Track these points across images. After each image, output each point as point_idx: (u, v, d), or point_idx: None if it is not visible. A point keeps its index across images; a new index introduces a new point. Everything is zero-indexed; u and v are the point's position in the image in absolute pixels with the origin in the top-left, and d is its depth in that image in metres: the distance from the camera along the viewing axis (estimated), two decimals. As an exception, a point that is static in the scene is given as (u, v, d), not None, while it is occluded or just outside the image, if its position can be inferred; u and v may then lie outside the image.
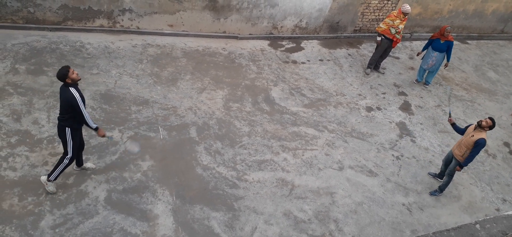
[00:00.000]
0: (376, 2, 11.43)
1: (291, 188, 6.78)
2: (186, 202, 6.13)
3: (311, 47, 11.02)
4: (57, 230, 5.36)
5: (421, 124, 9.01)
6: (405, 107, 9.47)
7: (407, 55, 11.77)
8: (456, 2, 12.37)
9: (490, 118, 6.55)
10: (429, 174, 7.69)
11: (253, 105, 8.38)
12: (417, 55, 10.25)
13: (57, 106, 7.09)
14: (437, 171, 7.64)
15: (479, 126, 6.56)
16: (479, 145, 6.50)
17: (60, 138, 5.58)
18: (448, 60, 9.86)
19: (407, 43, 12.39)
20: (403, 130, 8.70)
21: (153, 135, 7.11)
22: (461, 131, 7.06)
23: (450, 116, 7.30)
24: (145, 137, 7.03)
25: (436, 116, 9.37)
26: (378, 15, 11.77)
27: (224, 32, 10.48)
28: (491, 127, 6.53)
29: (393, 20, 9.51)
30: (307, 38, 11.33)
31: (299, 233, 6.09)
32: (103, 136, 5.67)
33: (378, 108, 9.19)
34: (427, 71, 10.20)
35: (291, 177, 6.97)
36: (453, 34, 13.21)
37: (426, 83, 10.41)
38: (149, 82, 8.30)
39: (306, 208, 6.50)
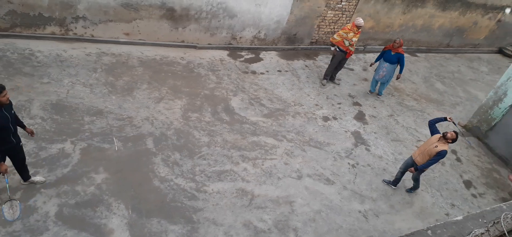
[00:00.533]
0: (332, 15, 11.79)
1: (251, 198, 6.77)
2: (142, 216, 5.95)
3: (270, 58, 11.15)
4: (2, 249, 5.01)
5: (375, 133, 9.33)
6: (360, 117, 9.78)
7: (361, 67, 12.19)
8: (406, 16, 13.02)
9: (455, 131, 6.91)
10: (384, 181, 7.96)
11: (213, 115, 8.33)
12: (370, 66, 10.57)
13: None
14: (392, 178, 7.93)
15: (444, 138, 6.91)
16: (441, 155, 6.88)
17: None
18: (400, 72, 10.17)
19: (361, 56, 12.84)
20: (358, 139, 8.97)
21: (107, 146, 6.86)
22: (433, 127, 7.36)
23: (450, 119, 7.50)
24: (99, 149, 6.77)
25: (389, 125, 9.75)
26: (333, 27, 12.13)
27: (183, 41, 10.38)
28: (454, 140, 6.89)
29: (347, 33, 9.82)
30: (266, 49, 11.46)
31: (259, 243, 6.07)
32: (5, 171, 5.15)
33: (334, 118, 9.43)
34: (379, 82, 10.57)
35: (251, 186, 6.97)
36: (403, 47, 13.87)
37: (379, 94, 10.78)
38: (104, 92, 8.03)
39: (266, 217, 6.50)
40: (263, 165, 7.48)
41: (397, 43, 9.74)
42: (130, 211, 5.95)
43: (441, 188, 8.23)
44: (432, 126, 7.40)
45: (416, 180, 7.63)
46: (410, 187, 7.86)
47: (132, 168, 6.63)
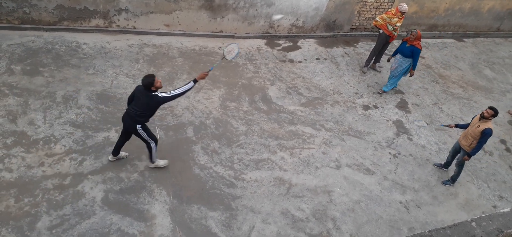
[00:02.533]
0: (373, 0, 11.44)
1: (289, 186, 6.78)
2: (183, 202, 6.12)
3: (308, 46, 11.02)
4: (53, 231, 5.33)
5: (418, 121, 9.02)
6: (402, 105, 9.48)
7: (404, 53, 11.78)
8: (452, 0, 12.40)
9: (490, 107, 6.72)
10: (435, 164, 7.83)
11: (250, 105, 8.37)
12: (388, 61, 9.78)
13: (53, 107, 7.10)
14: (442, 162, 7.81)
15: (482, 117, 6.74)
16: (486, 134, 6.70)
17: (128, 134, 6.11)
18: (413, 68, 9.24)
19: (403, 42, 12.40)
20: (400, 128, 8.71)
21: (150, 134, 7.09)
22: (466, 125, 7.31)
23: (446, 125, 7.64)
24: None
25: (433, 114, 9.39)
26: (375, 13, 11.77)
27: (221, 31, 10.46)
28: (493, 115, 6.70)
29: (390, 18, 9.51)
30: (304, 37, 11.33)
31: (296, 232, 6.09)
32: (205, 76, 6.02)
33: (375, 107, 9.20)
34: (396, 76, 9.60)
35: (288, 175, 6.97)
36: (449, 32, 13.25)
37: (383, 89, 9.74)
38: (146, 82, 8.26)
39: (303, 206, 6.49)
40: (300, 154, 7.46)
41: (413, 35, 8.85)
42: (171, 197, 6.14)
43: (489, 179, 7.85)
44: (463, 127, 7.33)
45: (460, 165, 7.29)
46: (447, 179, 7.53)
47: (173, 155, 6.82)
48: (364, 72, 10.31)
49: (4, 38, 8.45)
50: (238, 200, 6.35)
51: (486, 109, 6.75)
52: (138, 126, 5.82)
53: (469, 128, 7.04)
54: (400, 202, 6.97)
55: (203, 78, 5.99)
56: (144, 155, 6.69)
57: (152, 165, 6.44)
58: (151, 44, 9.49)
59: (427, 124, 7.61)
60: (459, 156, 7.27)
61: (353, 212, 6.60)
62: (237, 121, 7.88)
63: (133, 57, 8.91)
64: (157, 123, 7.34)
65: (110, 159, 6.40)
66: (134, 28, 9.68)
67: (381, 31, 9.81)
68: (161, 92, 5.71)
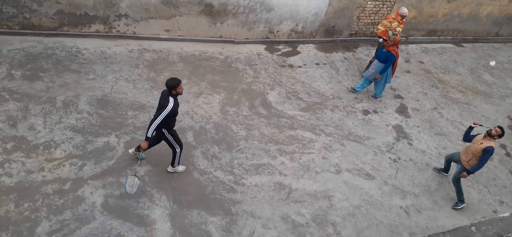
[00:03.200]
0: (372, 6, 11.49)
1: (289, 191, 6.77)
2: (183, 207, 6.11)
3: (307, 51, 11.05)
4: (53, 236, 5.32)
5: (417, 126, 9.03)
6: (402, 110, 9.50)
7: (403, 58, 11.81)
8: (450, 5, 12.46)
9: (499, 127, 6.56)
10: (435, 169, 7.83)
11: (250, 109, 8.38)
12: (369, 62, 9.60)
13: (54, 112, 7.11)
14: (442, 167, 7.81)
15: (489, 135, 6.57)
16: (488, 152, 6.54)
17: (158, 141, 6.23)
18: (381, 72, 8.98)
19: (403, 47, 12.44)
20: (400, 133, 8.72)
21: (150, 139, 7.08)
22: (469, 138, 7.06)
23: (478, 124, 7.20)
24: (142, 142, 6.98)
25: (432, 119, 9.40)
26: (374, 18, 11.82)
27: (221, 36, 10.50)
28: (500, 135, 6.56)
29: (390, 22, 9.54)
30: (303, 42, 11.37)
31: None
32: (145, 148, 5.84)
33: (375, 112, 9.21)
34: (374, 81, 9.42)
35: (288, 180, 6.97)
36: (448, 37, 13.30)
37: (374, 95, 9.66)
38: (146, 87, 8.28)
39: (304, 211, 6.48)
40: (300, 159, 7.45)
41: (391, 41, 8.73)
42: (171, 202, 6.13)
43: (489, 184, 7.85)
44: (468, 137, 7.09)
45: (456, 182, 7.05)
46: (456, 202, 7.22)
47: (172, 160, 6.82)
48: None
49: (4, 43, 8.46)
50: (238, 205, 6.34)
51: (494, 128, 6.57)
52: (164, 130, 5.90)
53: (471, 144, 6.86)
54: (401, 207, 6.97)
55: (143, 147, 5.80)
56: (144, 159, 6.68)
57: (171, 169, 6.53)
58: (151, 49, 9.51)
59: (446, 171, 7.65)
60: (456, 171, 7.06)
61: (353, 217, 6.59)
62: (237, 125, 7.88)
63: (133, 62, 8.92)
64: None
65: (130, 152, 6.60)
66: (134, 33, 9.71)
67: (380, 40, 9.79)
68: (175, 106, 5.71)
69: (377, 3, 11.48)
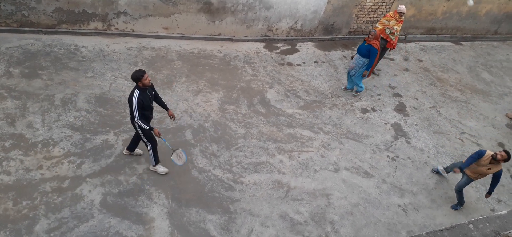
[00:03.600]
0: (371, 4, 11.48)
1: (287, 190, 6.78)
2: (182, 205, 6.12)
3: (306, 49, 11.04)
4: (52, 234, 5.32)
5: (416, 125, 9.04)
6: (400, 108, 9.51)
7: (402, 56, 11.83)
8: (450, 3, 12.46)
9: (505, 151, 6.43)
10: (433, 171, 7.85)
11: (249, 108, 8.38)
12: (351, 58, 9.41)
13: (52, 109, 7.10)
14: (445, 166, 7.80)
15: (495, 159, 6.47)
16: (498, 177, 6.60)
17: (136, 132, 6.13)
18: (367, 68, 8.93)
19: (402, 45, 12.45)
20: (398, 131, 8.73)
21: (148, 137, 7.09)
22: (471, 160, 6.76)
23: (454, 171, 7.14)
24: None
25: (431, 117, 9.42)
26: (373, 16, 11.82)
27: (219, 34, 10.48)
28: (506, 160, 6.43)
29: (388, 20, 9.52)
30: (302, 40, 11.36)
31: (295, 235, 6.09)
32: (158, 135, 5.90)
33: (373, 110, 9.22)
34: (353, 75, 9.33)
35: (287, 179, 6.98)
36: (447, 35, 13.31)
37: (353, 90, 9.62)
38: (144, 85, 8.26)
39: (302, 210, 6.50)
40: (299, 157, 7.46)
41: (372, 35, 8.64)
42: (170, 200, 6.14)
43: (487, 183, 7.85)
44: (468, 163, 6.79)
45: (459, 192, 7.07)
46: (456, 203, 7.24)
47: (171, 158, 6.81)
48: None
49: (2, 41, 8.44)
50: (237, 203, 6.35)
51: (500, 152, 6.44)
52: (136, 124, 5.81)
53: (478, 165, 6.67)
54: (399, 205, 6.99)
55: (156, 133, 5.87)
56: (143, 158, 6.69)
57: (151, 168, 6.50)
58: (150, 47, 9.49)
59: (446, 171, 7.64)
60: (461, 182, 6.99)
61: (351, 215, 6.61)
62: (236, 123, 7.89)
63: (131, 60, 8.91)
64: (155, 125, 7.33)
65: (124, 152, 6.63)
66: (133, 31, 9.69)
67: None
68: (139, 98, 5.59)
69: (376, 1, 11.47)
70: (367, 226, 6.49)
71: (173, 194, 6.25)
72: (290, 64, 10.22)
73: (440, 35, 13.27)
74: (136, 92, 5.60)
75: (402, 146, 8.34)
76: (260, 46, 10.70)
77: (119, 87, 8.04)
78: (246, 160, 7.15)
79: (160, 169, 6.46)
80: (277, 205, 6.48)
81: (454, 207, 7.22)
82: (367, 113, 9.05)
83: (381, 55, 10.21)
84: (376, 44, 8.72)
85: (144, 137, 6.04)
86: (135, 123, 5.82)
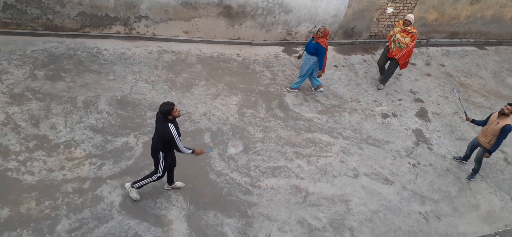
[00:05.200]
0: (392, 8, 11.33)
1: (305, 195, 6.73)
2: (200, 208, 6.14)
3: (326, 53, 10.95)
4: (73, 234, 5.41)
5: (438, 131, 8.85)
6: (422, 114, 9.33)
7: (424, 61, 11.61)
8: (473, 7, 12.18)
9: (510, 104, 6.83)
10: (454, 158, 8.00)
11: (267, 111, 8.37)
12: (298, 58, 9.28)
13: (74, 111, 7.24)
14: (461, 156, 8.08)
15: (502, 114, 6.82)
16: (506, 130, 6.83)
17: (152, 157, 5.72)
18: (319, 68, 8.64)
19: (423, 49, 12.23)
20: (420, 137, 8.56)
21: (167, 140, 7.14)
22: (483, 123, 7.41)
23: (466, 115, 7.59)
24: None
25: (453, 123, 9.20)
26: (394, 20, 11.65)
27: (239, 38, 10.51)
28: None
29: (395, 28, 9.16)
30: (322, 44, 11.27)
31: (313, 241, 6.03)
32: (201, 153, 5.63)
33: (394, 115, 9.08)
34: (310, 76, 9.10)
35: (305, 184, 6.92)
36: (470, 40, 13.01)
37: (312, 87, 9.29)
38: (164, 88, 8.36)
39: (320, 215, 6.43)
40: (317, 162, 7.40)
41: (321, 32, 8.23)
42: (188, 203, 6.17)
43: (511, 191, 7.65)
44: (479, 123, 7.47)
45: (478, 162, 7.47)
46: (470, 173, 7.68)
47: (190, 161, 6.85)
48: (380, 89, 9.93)
49: (28, 44, 8.67)
50: (254, 208, 6.33)
51: (506, 106, 6.84)
52: (160, 153, 5.57)
53: (488, 125, 7.15)
54: (420, 213, 6.84)
55: (199, 154, 5.58)
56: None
57: (128, 186, 6.01)
58: (170, 50, 9.60)
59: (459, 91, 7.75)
60: (479, 152, 7.40)
61: (371, 222, 6.50)
62: (254, 127, 7.88)
63: (152, 63, 9.02)
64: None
65: (166, 187, 6.32)
66: (154, 34, 9.82)
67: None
68: (174, 126, 5.33)
69: (398, 4, 11.32)
70: (387, 233, 6.38)
71: (191, 197, 6.28)
72: (309, 68, 10.14)
73: (463, 40, 12.99)
74: (171, 126, 5.28)
75: (424, 152, 8.18)
76: (279, 50, 10.68)
77: (140, 90, 8.15)
78: (264, 164, 7.13)
79: (134, 194, 6.00)
80: (295, 210, 6.43)
81: (470, 177, 7.67)
82: (388, 119, 8.92)
83: (388, 70, 9.70)
84: (324, 42, 8.30)
85: (164, 166, 5.72)
86: (161, 153, 5.55)
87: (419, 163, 7.87)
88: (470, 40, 13.06)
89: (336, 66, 10.46)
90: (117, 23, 9.39)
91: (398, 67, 9.57)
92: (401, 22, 9.21)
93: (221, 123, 7.81)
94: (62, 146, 6.61)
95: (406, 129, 8.72)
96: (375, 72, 10.53)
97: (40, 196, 5.79)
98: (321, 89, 9.29)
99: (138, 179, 5.95)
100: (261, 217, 6.20)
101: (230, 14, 9.95)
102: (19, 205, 5.62)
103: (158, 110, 5.30)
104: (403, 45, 9.06)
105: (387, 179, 7.36)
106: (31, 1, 8.52)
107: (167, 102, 5.25)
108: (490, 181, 7.77)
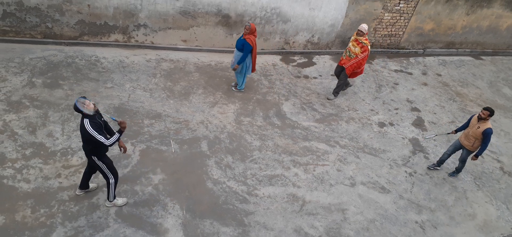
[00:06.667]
0: (389, 18, 11.43)
1: (302, 203, 6.73)
2: (196, 216, 6.13)
3: (323, 62, 11.03)
4: (68, 242, 5.40)
5: (434, 140, 8.88)
6: (418, 123, 9.36)
7: (420, 71, 11.68)
8: (469, 18, 12.29)
9: (485, 108, 6.98)
10: (429, 168, 8.04)
11: (264, 120, 8.39)
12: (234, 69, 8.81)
13: (72, 119, 7.26)
14: (435, 162, 8.14)
15: (480, 118, 7.04)
16: (488, 134, 7.00)
17: (92, 165, 5.61)
18: (238, 63, 8.43)
19: (420, 59, 12.32)
20: (416, 146, 8.59)
21: (164, 148, 7.16)
22: (465, 126, 7.57)
23: (451, 132, 7.83)
24: (157, 151, 7.08)
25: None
26: (391, 30, 11.75)
27: (237, 47, 10.56)
28: (490, 115, 6.97)
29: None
30: (319, 53, 11.35)
31: (309, 249, 6.02)
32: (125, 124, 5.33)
33: (391, 124, 9.11)
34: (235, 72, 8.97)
35: (302, 192, 6.92)
36: (466, 50, 13.11)
37: (238, 87, 9.10)
38: (162, 96, 8.39)
39: (317, 224, 6.43)
40: (314, 170, 7.41)
41: (247, 29, 8.11)
42: (184, 212, 6.16)
43: (508, 200, 7.65)
44: (462, 128, 7.64)
45: (463, 161, 7.63)
46: (453, 170, 7.92)
47: (187, 169, 6.86)
48: (329, 99, 9.52)
49: (27, 52, 8.71)
50: (251, 216, 6.33)
51: (481, 111, 7.02)
52: (94, 157, 5.37)
53: (469, 128, 7.32)
54: (416, 222, 6.84)
55: (124, 127, 5.31)
56: (159, 168, 6.75)
57: (108, 204, 5.92)
58: (168, 59, 9.64)
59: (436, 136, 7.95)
60: (463, 153, 7.53)
61: (367, 231, 6.50)
62: (251, 136, 7.90)
63: (150, 71, 9.06)
64: (172, 136, 7.41)
65: (77, 193, 6.02)
66: (152, 43, 9.86)
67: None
68: (93, 123, 5.07)
69: (394, 15, 11.41)
70: (383, 242, 6.37)
71: (188, 205, 6.27)
72: (306, 77, 10.21)
73: (459, 50, 13.08)
74: (86, 121, 5.04)
75: (420, 161, 8.20)
76: (276, 59, 10.74)
77: (138, 98, 8.17)
78: (261, 172, 7.14)
79: (120, 200, 5.99)
80: (292, 219, 6.43)
81: (452, 174, 7.89)
82: (385, 128, 8.95)
83: (340, 79, 9.35)
84: (251, 39, 8.19)
85: (108, 168, 5.56)
86: (93, 157, 5.38)
87: (415, 172, 7.89)
88: (466, 50, 13.17)
89: (333, 75, 10.50)
90: (116, 32, 9.44)
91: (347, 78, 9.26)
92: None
93: (218, 131, 7.82)
94: (58, 153, 6.61)
95: (403, 138, 8.75)
96: (372, 81, 10.59)
97: (35, 204, 5.78)
98: (241, 87, 9.10)
99: (107, 193, 5.84)
100: (258, 226, 6.20)
101: (228, 23, 10.01)
102: (15, 213, 5.60)
103: None
104: (353, 54, 8.82)
105: (383, 187, 7.37)
106: (31, 9, 8.57)
107: (80, 97, 5.07)
108: (486, 190, 7.78)
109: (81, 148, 6.70)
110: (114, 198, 5.90)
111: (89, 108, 5.03)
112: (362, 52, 8.75)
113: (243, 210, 6.39)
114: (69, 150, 6.69)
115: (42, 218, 5.62)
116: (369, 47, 8.79)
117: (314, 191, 6.99)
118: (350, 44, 8.89)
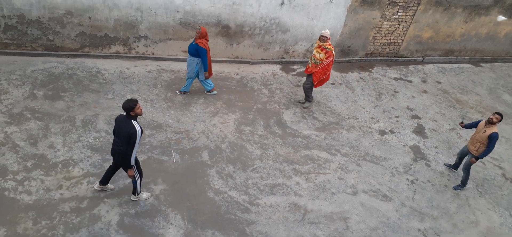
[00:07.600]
0: (387, 26, 11.49)
1: (304, 212, 6.71)
2: (197, 227, 6.11)
3: (323, 71, 11.05)
4: (70, 254, 5.37)
5: (435, 147, 8.88)
6: (419, 130, 9.37)
7: (420, 78, 11.72)
8: (468, 25, 12.35)
9: (497, 113, 7.07)
10: (445, 164, 8.21)
11: (265, 129, 8.40)
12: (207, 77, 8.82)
13: (73, 130, 7.26)
14: (451, 163, 8.30)
15: (490, 122, 7.07)
16: (494, 138, 7.03)
17: (119, 164, 5.85)
18: (204, 69, 8.47)
19: (419, 67, 12.36)
20: (417, 154, 8.58)
21: (166, 158, 7.16)
22: (473, 125, 7.64)
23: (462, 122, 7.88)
24: (158, 161, 7.08)
25: (450, 139, 9.24)
26: (390, 39, 11.81)
27: (237, 57, 10.62)
28: (500, 120, 7.05)
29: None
30: (319, 63, 11.38)
31: (312, 258, 5.99)
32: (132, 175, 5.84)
33: (392, 132, 9.12)
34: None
35: (303, 201, 6.91)
36: (465, 57, 13.16)
37: (181, 90, 8.96)
38: (163, 107, 8.41)
39: (319, 233, 6.40)
40: (316, 179, 7.40)
41: (197, 33, 8.10)
42: (186, 222, 6.14)
43: (511, 207, 7.63)
44: (470, 127, 7.70)
45: (466, 170, 7.58)
46: (457, 184, 7.83)
47: (188, 179, 6.85)
48: (305, 107, 9.37)
49: (28, 64, 8.75)
50: (253, 226, 6.31)
51: (494, 115, 7.04)
52: (134, 168, 5.77)
53: (475, 133, 7.38)
54: (419, 230, 6.81)
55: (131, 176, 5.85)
56: (160, 178, 6.74)
57: (134, 198, 6.23)
58: (169, 69, 9.68)
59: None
60: (466, 159, 7.56)
61: (370, 239, 6.47)
62: (252, 145, 7.90)
63: (151, 82, 9.09)
64: (173, 146, 7.41)
65: (96, 187, 6.27)
66: (153, 54, 9.92)
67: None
68: (137, 127, 5.39)
69: (393, 23, 11.48)
70: (386, 250, 6.34)
71: (189, 215, 6.25)
72: (306, 86, 10.22)
73: (458, 57, 13.13)
74: (136, 125, 5.39)
75: (422, 168, 8.19)
76: (276, 68, 10.79)
77: (138, 109, 8.18)
78: (262, 181, 7.13)
79: (144, 195, 6.32)
80: (294, 228, 6.41)
81: (456, 188, 7.77)
82: (385, 136, 8.95)
83: (305, 85, 9.21)
84: (203, 43, 8.16)
85: (137, 170, 5.92)
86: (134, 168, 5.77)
87: (417, 180, 7.87)
88: (466, 57, 13.22)
89: (333, 83, 10.54)
90: (116, 43, 9.50)
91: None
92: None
93: (219, 140, 7.83)
94: (60, 165, 6.61)
95: (404, 146, 8.75)
96: (371, 89, 10.62)
97: (37, 216, 5.76)
98: (214, 92, 9.10)
99: (132, 190, 6.15)
100: (260, 236, 6.17)
101: (228, 33, 10.08)
102: (16, 225, 5.59)
103: (118, 115, 5.58)
104: (318, 61, 8.72)
105: (385, 195, 7.36)
106: (32, 22, 8.63)
107: (131, 98, 5.44)
108: (489, 197, 7.76)
109: (83, 159, 6.72)
110: (140, 192, 6.21)
111: (139, 111, 5.46)
112: (326, 58, 8.68)
113: (245, 220, 6.37)
114: (70, 161, 6.69)
115: (43, 230, 5.60)
116: (333, 52, 8.68)
117: (316, 200, 6.98)
118: (314, 51, 8.78)
